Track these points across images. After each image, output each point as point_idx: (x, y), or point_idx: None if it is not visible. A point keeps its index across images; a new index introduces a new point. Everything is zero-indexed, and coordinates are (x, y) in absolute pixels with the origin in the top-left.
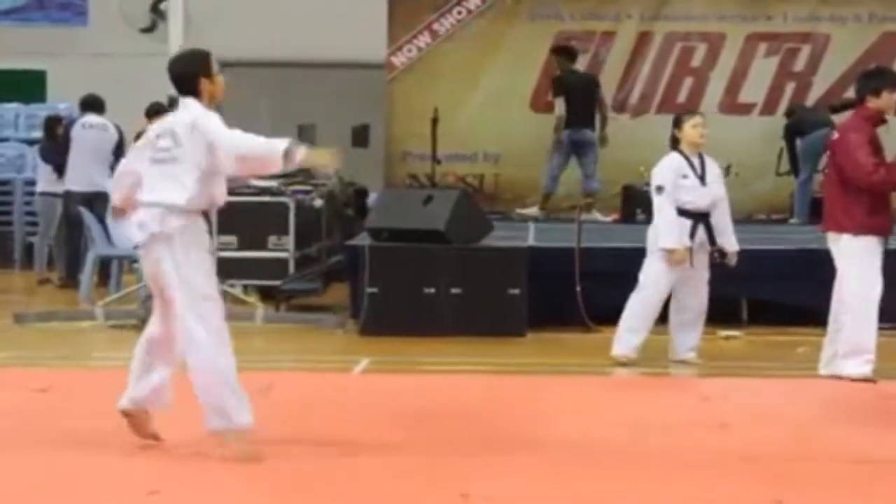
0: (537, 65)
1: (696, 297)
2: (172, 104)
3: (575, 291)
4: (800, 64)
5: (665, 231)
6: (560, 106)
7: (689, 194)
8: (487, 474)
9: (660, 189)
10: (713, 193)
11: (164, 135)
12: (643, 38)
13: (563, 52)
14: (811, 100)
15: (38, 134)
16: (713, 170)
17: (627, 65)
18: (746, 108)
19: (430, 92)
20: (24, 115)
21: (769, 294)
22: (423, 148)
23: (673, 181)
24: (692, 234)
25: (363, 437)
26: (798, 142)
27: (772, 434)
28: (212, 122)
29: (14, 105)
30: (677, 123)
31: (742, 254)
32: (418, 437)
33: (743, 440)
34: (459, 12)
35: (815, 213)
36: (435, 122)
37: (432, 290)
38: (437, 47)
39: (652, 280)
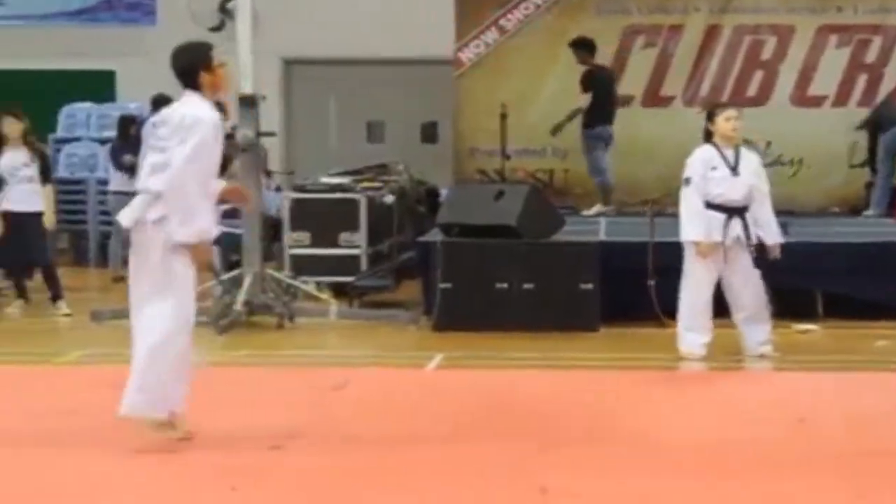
0: (605, 59)
1: (749, 294)
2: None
3: (647, 286)
4: (871, 56)
5: (686, 222)
6: (586, 100)
7: (719, 186)
8: (565, 469)
9: (687, 181)
10: (747, 186)
11: (162, 123)
12: (712, 32)
13: (582, 44)
14: (882, 92)
15: (109, 133)
16: (749, 162)
17: (696, 58)
18: (817, 101)
19: (498, 87)
20: (96, 115)
21: (844, 287)
22: (491, 143)
23: (702, 173)
24: (726, 229)
25: (438, 433)
26: (880, 137)
27: (851, 429)
28: (195, 130)
29: (86, 105)
30: (710, 117)
31: (815, 247)
32: (494, 432)
33: (821, 435)
34: (526, 7)
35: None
36: (503, 117)
37: (504, 286)
38: (504, 43)
39: (688, 276)
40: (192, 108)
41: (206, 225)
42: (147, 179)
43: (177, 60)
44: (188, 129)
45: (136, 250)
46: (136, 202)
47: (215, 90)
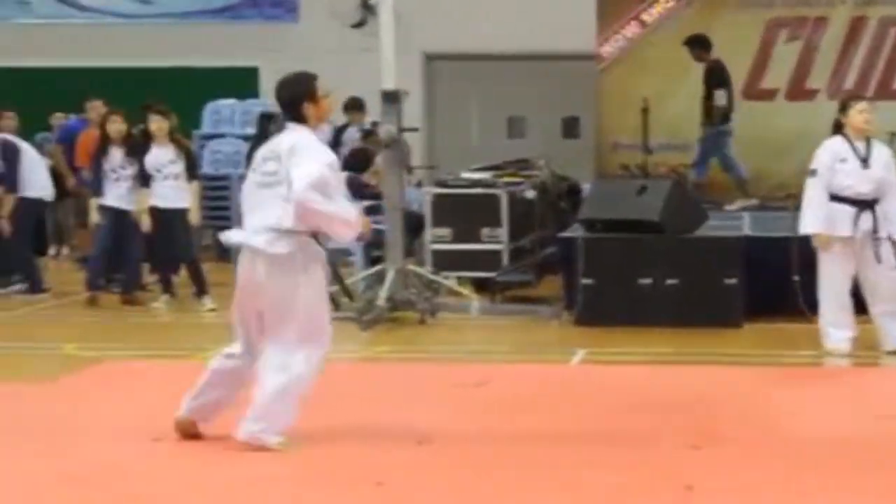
0: (748, 53)
1: (885, 288)
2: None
3: (793, 281)
4: None
5: (805, 214)
6: (721, 97)
7: (848, 178)
8: (711, 466)
9: (813, 172)
10: (877, 179)
11: (270, 158)
12: (857, 24)
13: (697, 41)
14: None
15: (252, 130)
16: (881, 155)
17: (840, 51)
18: None
19: (640, 82)
20: (240, 112)
21: None
22: (633, 138)
23: (829, 165)
24: (855, 223)
25: (582, 428)
26: None
27: None
28: (306, 153)
29: (230, 101)
30: (843, 108)
31: None
32: (638, 428)
33: None
34: (668, 1)
35: None
36: (645, 111)
37: (648, 281)
38: (646, 37)
39: (823, 271)
40: (301, 137)
41: (347, 216)
42: (267, 216)
43: (281, 92)
44: (301, 154)
45: (254, 287)
46: (255, 241)
47: (319, 121)
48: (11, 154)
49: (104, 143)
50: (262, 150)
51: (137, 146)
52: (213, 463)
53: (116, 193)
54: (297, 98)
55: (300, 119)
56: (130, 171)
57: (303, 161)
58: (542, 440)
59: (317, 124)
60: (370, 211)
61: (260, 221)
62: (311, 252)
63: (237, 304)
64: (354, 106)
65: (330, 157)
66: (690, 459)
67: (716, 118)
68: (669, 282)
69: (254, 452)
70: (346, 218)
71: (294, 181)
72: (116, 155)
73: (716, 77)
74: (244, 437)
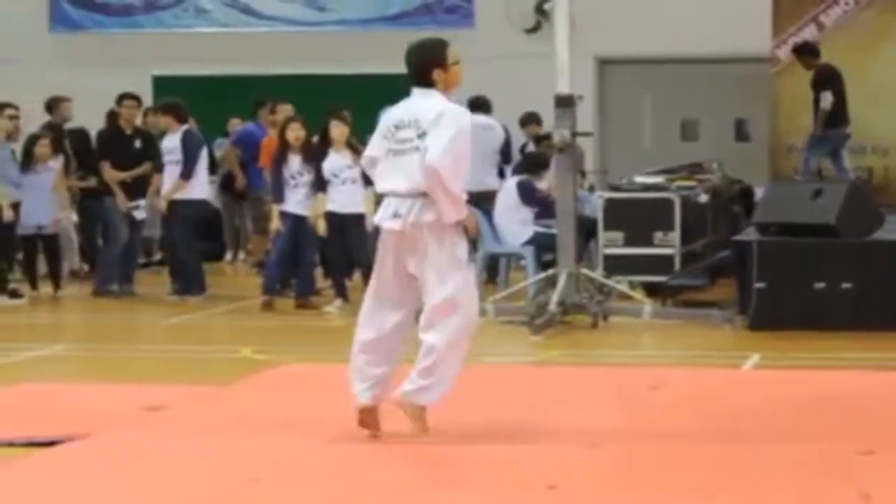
0: None
1: None
2: (473, 106)
3: None
4: None
5: None
6: (826, 100)
7: None
8: (888, 473)
9: None
10: None
11: (404, 126)
12: None
13: (804, 50)
14: None
15: None
16: None
17: None
18: None
19: None
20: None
21: None
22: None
23: None
24: None
25: (755, 432)
26: None
27: None
28: (454, 123)
29: None
30: None
31: None
32: (813, 433)
33: None
34: (846, 3)
35: None
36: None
37: (823, 285)
38: (823, 39)
39: None
40: (435, 103)
41: (460, 197)
42: (411, 182)
43: (411, 56)
44: (445, 123)
45: (403, 252)
46: (400, 207)
47: (448, 87)
48: (196, 144)
49: (283, 149)
50: (392, 118)
51: (314, 152)
52: (386, 465)
53: (294, 199)
54: (426, 63)
55: (429, 84)
56: (308, 177)
57: (443, 129)
58: (714, 443)
59: (446, 90)
60: (540, 215)
61: (403, 186)
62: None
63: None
64: (531, 119)
65: (467, 122)
66: (868, 466)
67: (819, 122)
68: (845, 286)
69: (426, 455)
70: (459, 198)
71: (430, 146)
72: (295, 161)
73: (821, 80)
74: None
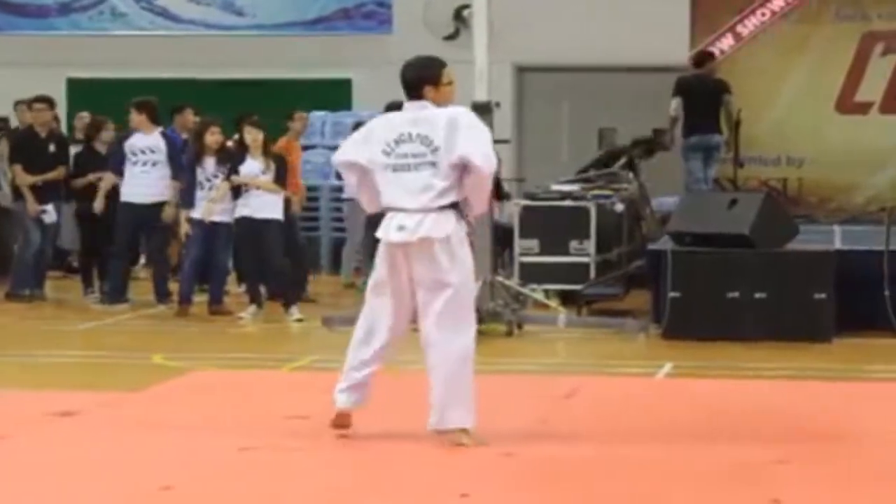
0: (843, 66)
1: None
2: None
3: (883, 296)
4: None
5: None
6: (671, 106)
7: None
8: (798, 481)
9: None
10: None
11: (409, 140)
12: None
13: (695, 61)
14: None
15: (343, 141)
16: None
17: None
18: None
19: (733, 95)
20: (331, 123)
21: None
22: (725, 151)
23: None
24: None
25: (668, 441)
26: None
27: None
28: (471, 121)
29: (321, 113)
30: None
31: None
32: (724, 442)
33: None
34: (763, 14)
35: None
36: (737, 124)
37: (736, 295)
38: (740, 49)
39: None
40: (437, 112)
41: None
42: (421, 198)
43: (406, 72)
44: (455, 127)
45: (413, 265)
46: (409, 222)
47: (437, 106)
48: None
49: (200, 152)
50: (390, 131)
51: (229, 157)
52: (298, 471)
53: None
54: (420, 79)
55: (420, 98)
56: (219, 181)
57: (467, 131)
58: (627, 450)
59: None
60: None
61: (413, 203)
62: (462, 226)
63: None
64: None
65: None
66: (777, 474)
67: (669, 129)
68: (758, 296)
69: (339, 462)
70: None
71: (471, 154)
72: (210, 164)
73: (676, 90)
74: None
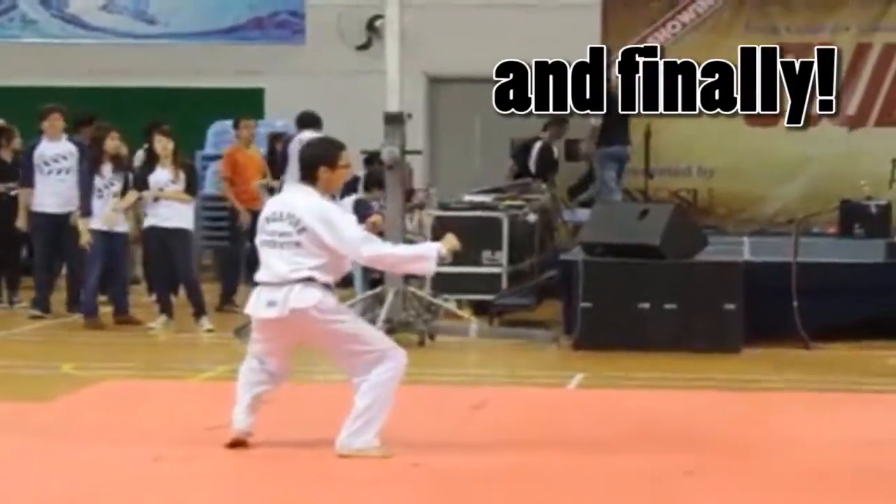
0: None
1: None
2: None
3: (792, 307)
4: None
5: None
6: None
7: None
8: (705, 491)
9: None
10: None
11: (278, 219)
12: (861, 50)
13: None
14: None
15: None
16: None
17: (845, 77)
18: None
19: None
20: (234, 133)
21: None
22: (635, 163)
23: None
24: None
25: (577, 451)
26: None
27: None
28: (340, 215)
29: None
30: None
31: None
32: (635, 452)
33: None
34: (674, 26)
35: None
36: (648, 136)
37: (647, 305)
38: None
39: None
40: (313, 199)
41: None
42: (288, 272)
43: (303, 151)
44: (336, 223)
45: (294, 333)
46: (275, 296)
47: (329, 188)
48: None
49: (99, 159)
50: (266, 213)
51: (125, 163)
52: (208, 481)
53: (102, 214)
54: (316, 160)
55: (312, 180)
56: (116, 188)
57: (342, 227)
58: (536, 463)
59: (326, 190)
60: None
61: (278, 277)
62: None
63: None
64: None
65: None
66: (687, 484)
67: (589, 139)
68: (668, 306)
69: (246, 471)
70: (412, 257)
71: (348, 246)
72: (107, 170)
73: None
74: None
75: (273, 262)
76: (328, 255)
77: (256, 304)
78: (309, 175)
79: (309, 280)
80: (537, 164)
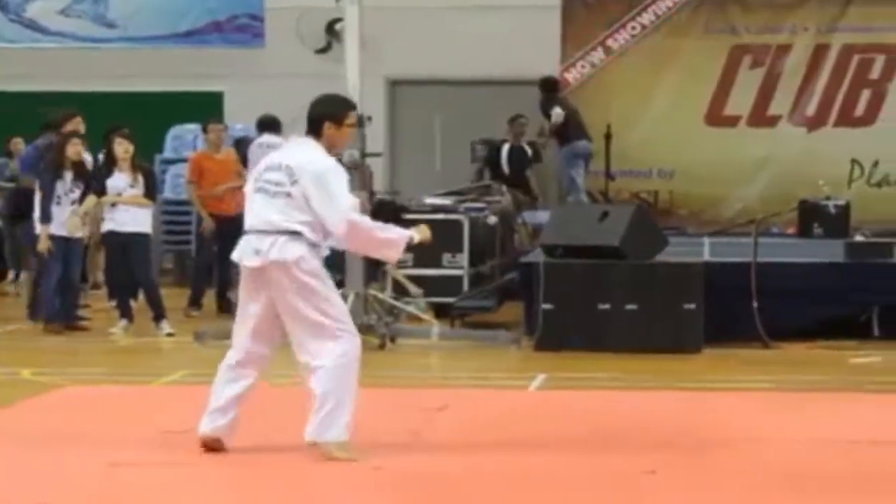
0: (712, 79)
1: None
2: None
3: (751, 307)
4: None
5: None
6: (557, 114)
7: None
8: (666, 490)
9: None
10: None
11: (276, 169)
12: (819, 51)
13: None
14: None
15: None
16: None
17: (804, 78)
18: None
19: (604, 108)
20: (202, 136)
21: None
22: (596, 164)
23: None
24: None
25: (539, 452)
26: None
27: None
28: (330, 177)
29: (192, 126)
30: None
31: None
32: (596, 452)
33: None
34: (633, 28)
35: None
36: (608, 137)
37: (607, 306)
38: (610, 63)
39: None
40: (314, 154)
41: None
42: (279, 221)
43: (311, 107)
44: (329, 185)
45: (270, 287)
46: (260, 244)
47: (333, 146)
48: None
49: (60, 165)
50: (266, 161)
51: (84, 169)
52: (168, 489)
53: (59, 221)
54: (321, 116)
55: (316, 135)
56: (76, 195)
57: (332, 190)
58: (498, 464)
59: (330, 147)
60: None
61: (268, 225)
62: (318, 256)
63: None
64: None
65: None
66: (647, 484)
67: (549, 132)
68: (629, 307)
69: (202, 476)
70: (386, 241)
71: (333, 210)
72: (68, 177)
73: (548, 100)
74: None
75: (263, 210)
76: (314, 214)
77: (243, 252)
78: (314, 130)
79: (296, 234)
80: (510, 166)
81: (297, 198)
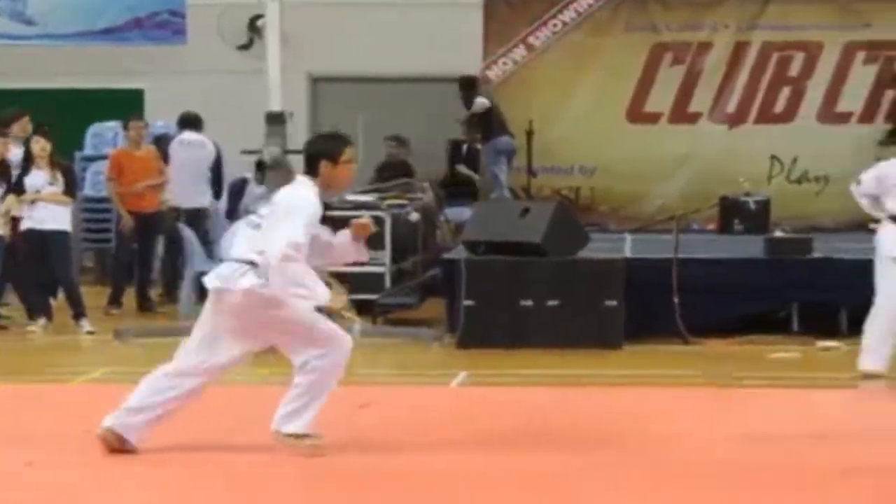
0: (633, 77)
1: None
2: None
3: (672, 303)
4: None
5: None
6: (481, 104)
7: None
8: (586, 488)
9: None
10: None
11: (267, 203)
12: (740, 48)
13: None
14: None
15: None
16: None
17: (724, 75)
18: (844, 118)
19: (526, 105)
20: (123, 134)
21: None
22: (518, 161)
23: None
24: None
25: (462, 450)
26: None
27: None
28: (294, 213)
29: (113, 124)
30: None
31: (842, 263)
32: (518, 449)
33: (846, 453)
34: (555, 25)
35: None
36: (530, 134)
37: (529, 303)
38: (532, 60)
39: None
40: (297, 190)
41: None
42: (244, 251)
43: (307, 144)
44: (288, 215)
45: (232, 313)
46: (229, 270)
47: (330, 185)
48: None
49: None
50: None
51: (6, 168)
52: (84, 489)
53: None
54: (317, 154)
55: (313, 173)
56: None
57: (286, 222)
58: (422, 461)
59: (327, 186)
60: None
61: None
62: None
63: None
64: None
65: (314, 214)
66: (568, 480)
67: (471, 122)
68: (550, 303)
69: (123, 478)
70: (304, 295)
71: (273, 242)
72: None
73: (471, 94)
74: None
75: (238, 239)
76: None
77: (210, 274)
78: (310, 169)
79: (252, 264)
80: (469, 164)
81: (263, 228)
